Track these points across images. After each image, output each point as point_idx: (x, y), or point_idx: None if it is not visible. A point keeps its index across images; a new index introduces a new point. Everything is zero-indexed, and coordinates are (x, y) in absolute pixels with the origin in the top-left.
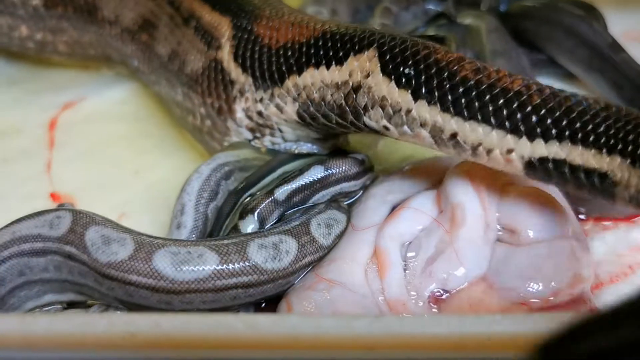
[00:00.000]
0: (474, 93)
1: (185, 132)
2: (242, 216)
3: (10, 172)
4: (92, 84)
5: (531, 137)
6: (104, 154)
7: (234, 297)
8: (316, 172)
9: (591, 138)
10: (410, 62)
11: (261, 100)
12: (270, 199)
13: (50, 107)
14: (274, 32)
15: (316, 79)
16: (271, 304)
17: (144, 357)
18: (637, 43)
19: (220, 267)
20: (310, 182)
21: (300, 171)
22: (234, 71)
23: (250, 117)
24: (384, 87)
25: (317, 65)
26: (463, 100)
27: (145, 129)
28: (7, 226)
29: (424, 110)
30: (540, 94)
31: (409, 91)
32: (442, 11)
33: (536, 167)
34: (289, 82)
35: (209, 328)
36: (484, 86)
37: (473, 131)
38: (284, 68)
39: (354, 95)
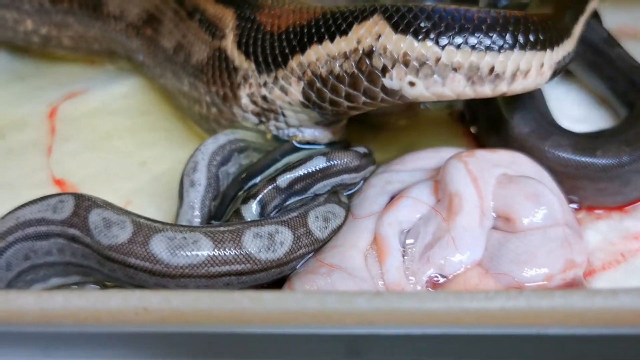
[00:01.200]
0: (497, 26)
1: (192, 125)
2: (244, 201)
3: (19, 163)
4: (99, 77)
5: (552, 46)
6: (110, 145)
7: (227, 283)
8: (318, 163)
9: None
10: (422, 16)
11: (265, 84)
12: (272, 186)
13: (56, 101)
14: (275, 19)
15: (321, 54)
16: (274, 286)
17: (156, 331)
18: (630, 39)
19: (214, 254)
20: (312, 171)
21: (303, 161)
22: (238, 58)
23: (255, 102)
24: (401, 44)
25: (320, 41)
26: (489, 35)
27: (151, 122)
28: (11, 212)
29: (454, 55)
30: (537, 14)
31: (433, 42)
32: None
33: (558, 70)
34: (293, 63)
35: (217, 304)
36: (501, 18)
37: (509, 59)
38: (287, 50)
39: (367, 60)
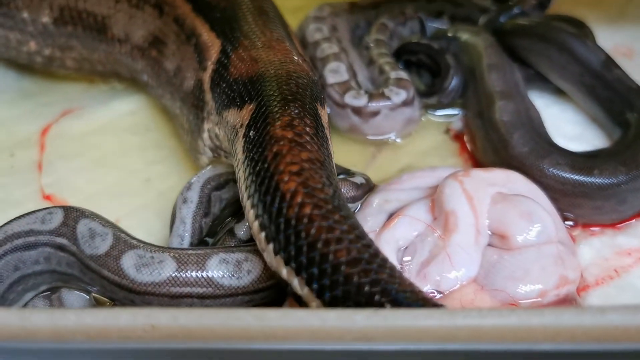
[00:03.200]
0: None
1: None
2: (239, 220)
3: (24, 181)
4: (105, 96)
5: None
6: (115, 162)
7: (190, 305)
8: None
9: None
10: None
11: (217, 123)
12: None
13: (53, 119)
14: (239, 62)
15: (233, 116)
16: (276, 303)
17: (164, 347)
18: (624, 58)
19: (176, 275)
20: None
21: None
22: (208, 93)
23: (211, 138)
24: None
25: (237, 106)
26: None
27: (156, 140)
28: None
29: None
30: None
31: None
32: (438, 27)
33: None
34: (225, 113)
35: (222, 321)
36: None
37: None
38: (226, 101)
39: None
